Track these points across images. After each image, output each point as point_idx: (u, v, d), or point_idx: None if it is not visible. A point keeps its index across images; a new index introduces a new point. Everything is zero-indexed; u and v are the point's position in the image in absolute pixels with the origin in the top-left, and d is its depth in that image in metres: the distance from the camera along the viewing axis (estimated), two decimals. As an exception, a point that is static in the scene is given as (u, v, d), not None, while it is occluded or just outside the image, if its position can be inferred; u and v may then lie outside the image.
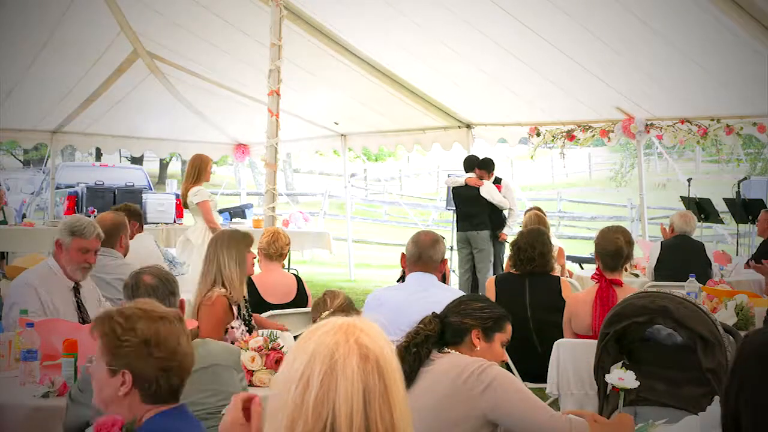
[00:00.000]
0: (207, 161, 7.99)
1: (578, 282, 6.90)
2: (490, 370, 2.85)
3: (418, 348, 2.95)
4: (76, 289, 4.37)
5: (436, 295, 4.03)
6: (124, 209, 6.12)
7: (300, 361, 1.50)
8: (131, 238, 5.62)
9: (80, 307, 4.35)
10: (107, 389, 2.25)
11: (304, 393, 1.47)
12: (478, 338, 3.04)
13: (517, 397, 2.83)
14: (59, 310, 4.21)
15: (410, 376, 2.88)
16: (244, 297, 4.52)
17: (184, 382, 2.28)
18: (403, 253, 4.50)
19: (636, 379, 3.39)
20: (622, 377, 3.29)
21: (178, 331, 2.27)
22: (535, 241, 5.27)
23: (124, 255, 5.23)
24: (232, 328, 4.35)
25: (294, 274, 5.62)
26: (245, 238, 4.56)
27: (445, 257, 4.46)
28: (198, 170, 7.86)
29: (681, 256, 6.97)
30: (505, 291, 5.21)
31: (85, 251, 4.32)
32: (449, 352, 3.00)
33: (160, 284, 3.21)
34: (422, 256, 4.33)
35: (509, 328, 3.16)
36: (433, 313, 3.12)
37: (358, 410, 1.46)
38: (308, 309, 5.32)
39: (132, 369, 2.21)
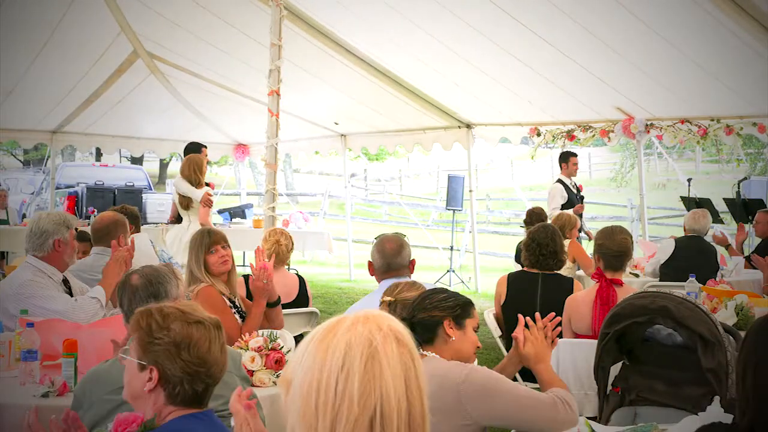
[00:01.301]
0: (202, 160, 8.13)
1: (579, 282, 6.90)
2: (472, 377, 2.80)
3: None
4: (65, 281, 4.40)
5: None
6: (119, 211, 6.13)
7: (336, 354, 1.49)
8: None
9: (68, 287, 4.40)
10: (135, 382, 2.27)
11: (346, 382, 1.47)
12: (451, 327, 2.98)
13: (508, 398, 2.80)
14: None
15: None
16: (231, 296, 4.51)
17: (211, 389, 2.28)
18: (370, 261, 4.40)
19: (633, 379, 3.41)
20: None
21: (212, 338, 2.27)
22: (554, 235, 5.22)
23: None
24: None
25: (297, 274, 5.61)
26: (204, 239, 4.53)
27: (413, 258, 4.39)
28: (199, 171, 7.98)
29: (690, 257, 6.97)
30: (517, 289, 5.19)
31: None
32: (425, 355, 2.93)
33: (142, 285, 3.17)
34: (391, 264, 4.28)
35: (475, 312, 3.11)
36: (401, 316, 3.02)
37: (402, 393, 1.48)
38: (309, 309, 5.32)
39: (159, 367, 2.23)
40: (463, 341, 2.99)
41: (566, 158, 9.54)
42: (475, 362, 3.07)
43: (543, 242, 5.20)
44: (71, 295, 4.39)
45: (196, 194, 7.89)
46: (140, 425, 2.21)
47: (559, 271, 5.35)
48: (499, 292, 5.32)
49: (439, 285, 10.94)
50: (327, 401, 1.47)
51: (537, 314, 3.24)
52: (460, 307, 3.03)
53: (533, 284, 5.16)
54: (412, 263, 4.37)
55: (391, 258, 4.28)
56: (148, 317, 2.28)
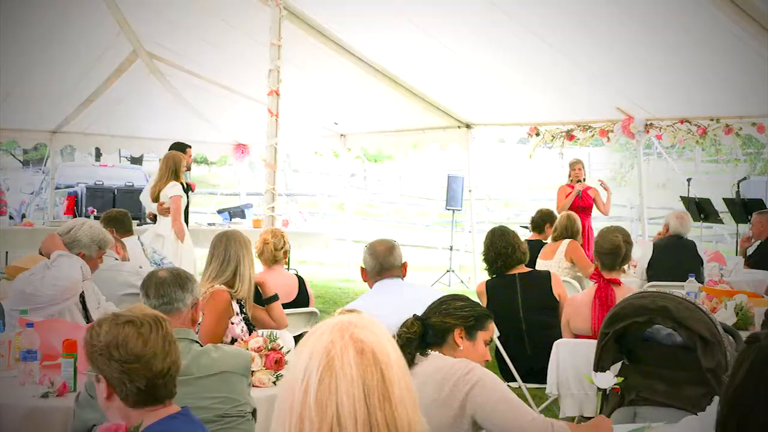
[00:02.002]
0: (181, 158, 8.20)
1: (577, 282, 6.91)
2: (475, 371, 2.81)
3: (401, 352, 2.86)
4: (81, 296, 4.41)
5: (413, 293, 4.00)
6: (104, 217, 6.16)
7: (300, 364, 1.53)
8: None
9: (84, 307, 4.38)
10: (98, 395, 2.30)
11: (306, 394, 1.49)
12: (461, 337, 2.98)
13: (500, 399, 2.79)
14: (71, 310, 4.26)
15: None
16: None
17: (158, 384, 2.25)
18: (362, 267, 4.36)
19: (632, 379, 3.41)
20: (605, 378, 3.30)
21: (144, 333, 2.25)
22: (492, 239, 5.22)
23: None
24: (232, 324, 4.36)
25: (296, 274, 5.60)
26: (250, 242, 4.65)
27: (405, 260, 4.36)
28: (174, 170, 8.07)
29: (674, 256, 6.97)
30: (497, 293, 5.20)
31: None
32: (430, 353, 2.94)
33: (170, 276, 3.23)
34: (384, 265, 4.23)
35: (492, 326, 3.11)
36: (414, 315, 3.05)
37: (360, 403, 1.48)
38: (309, 309, 5.32)
39: (103, 374, 2.25)
40: (470, 352, 2.98)
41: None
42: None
43: (485, 251, 5.23)
44: (84, 303, 4.38)
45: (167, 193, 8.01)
46: None
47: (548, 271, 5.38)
48: (480, 300, 5.34)
49: (438, 285, 10.88)
50: (293, 408, 1.50)
51: None
52: (474, 319, 3.02)
53: (512, 286, 5.16)
54: (404, 265, 4.32)
55: (383, 258, 4.23)
56: (90, 329, 2.30)
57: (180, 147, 9.29)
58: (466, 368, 2.82)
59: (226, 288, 4.35)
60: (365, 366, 1.50)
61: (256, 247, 5.31)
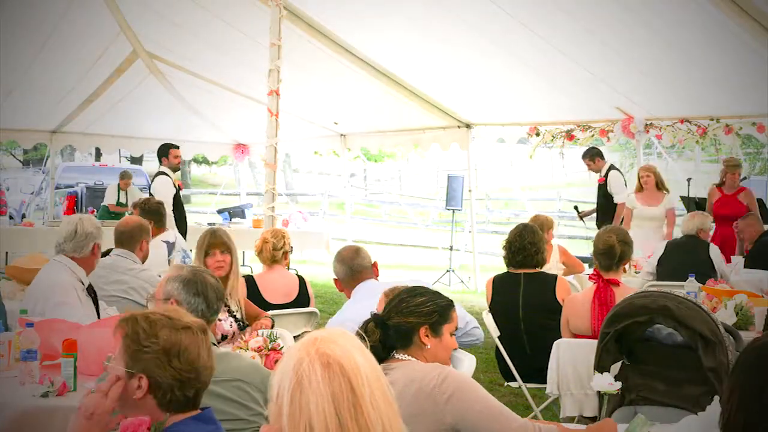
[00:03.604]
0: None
1: (578, 282, 6.91)
2: (449, 380, 2.70)
3: None
4: (90, 287, 4.40)
5: None
6: (140, 205, 6.09)
7: (275, 381, 1.60)
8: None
9: (96, 305, 4.38)
10: (126, 392, 2.23)
11: (280, 409, 1.56)
12: (427, 336, 2.84)
13: (482, 406, 2.70)
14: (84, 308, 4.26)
15: None
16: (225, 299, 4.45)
17: (201, 393, 2.26)
18: (335, 279, 4.38)
19: (632, 378, 3.40)
20: (611, 382, 3.28)
21: (200, 343, 2.24)
22: (523, 232, 5.24)
23: (143, 260, 5.18)
24: (220, 320, 4.27)
25: (297, 275, 5.59)
26: (205, 240, 4.58)
27: (374, 261, 4.38)
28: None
29: (683, 256, 6.97)
30: (501, 290, 5.22)
31: None
32: (400, 359, 2.83)
33: (219, 287, 3.14)
34: (353, 267, 4.26)
35: (455, 314, 2.96)
36: (374, 315, 2.91)
37: (331, 416, 1.53)
38: (309, 309, 5.31)
39: (149, 375, 2.19)
40: (438, 348, 2.87)
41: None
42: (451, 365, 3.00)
43: (511, 239, 5.22)
44: (96, 303, 4.37)
45: None
46: (149, 429, 2.19)
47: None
48: (487, 294, 5.38)
49: (438, 285, 10.83)
50: (273, 424, 1.58)
51: None
52: (437, 314, 2.88)
53: (515, 284, 5.16)
54: (374, 265, 4.35)
55: (350, 261, 4.27)
56: (134, 324, 2.22)
57: (166, 148, 9.19)
58: (439, 377, 2.70)
59: None
60: (332, 378, 1.55)
61: (256, 246, 5.30)
